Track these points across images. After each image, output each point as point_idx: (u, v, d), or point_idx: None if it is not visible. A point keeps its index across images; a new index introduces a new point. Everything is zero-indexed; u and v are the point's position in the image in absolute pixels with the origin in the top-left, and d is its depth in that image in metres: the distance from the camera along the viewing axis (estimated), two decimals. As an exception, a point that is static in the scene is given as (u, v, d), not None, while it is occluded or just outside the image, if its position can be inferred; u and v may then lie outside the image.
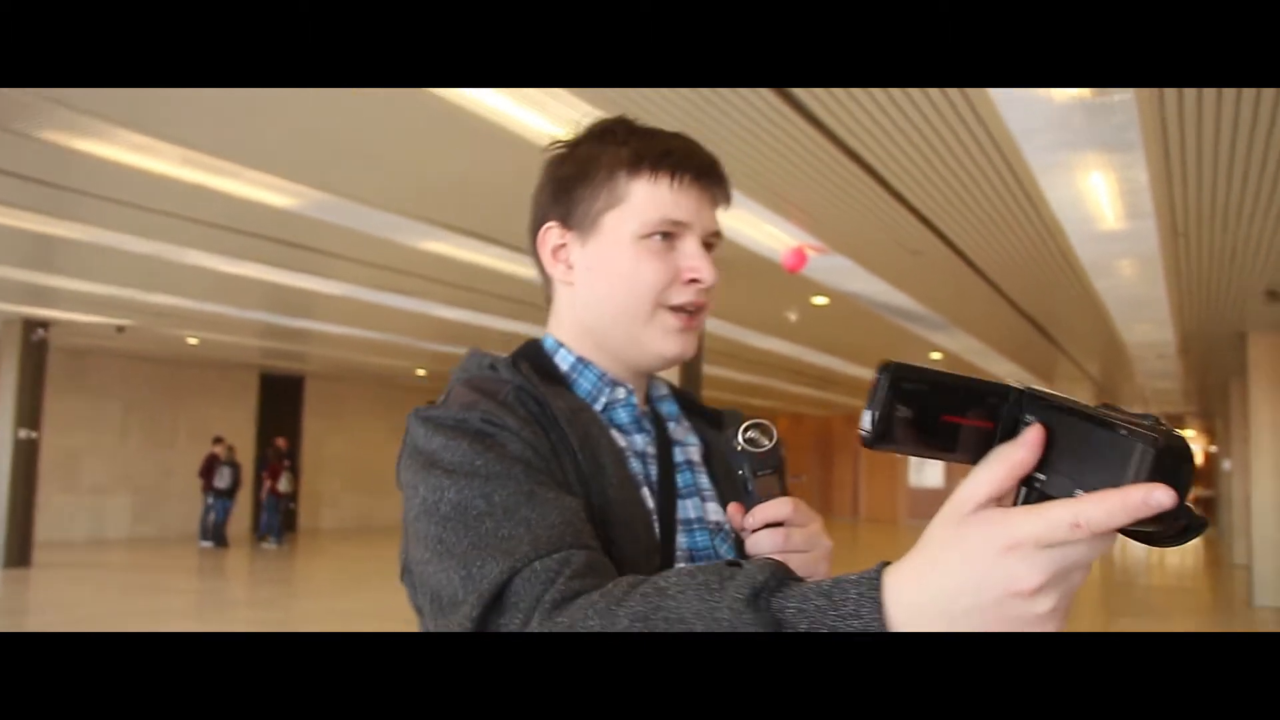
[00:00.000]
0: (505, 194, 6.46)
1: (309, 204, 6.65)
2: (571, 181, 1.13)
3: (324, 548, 17.27)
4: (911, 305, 10.26)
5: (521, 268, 8.67)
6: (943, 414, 0.69)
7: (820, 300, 10.14)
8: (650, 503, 1.09)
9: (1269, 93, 4.63)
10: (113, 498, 17.14)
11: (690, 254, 1.09)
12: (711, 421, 1.25)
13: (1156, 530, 0.63)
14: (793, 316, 11.18)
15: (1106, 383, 18.63)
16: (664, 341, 1.11)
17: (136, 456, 17.41)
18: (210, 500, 16.28)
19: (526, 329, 12.28)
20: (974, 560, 0.65)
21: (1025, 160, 5.58)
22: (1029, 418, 0.69)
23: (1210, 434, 27.60)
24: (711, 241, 1.13)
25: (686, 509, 1.13)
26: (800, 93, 4.67)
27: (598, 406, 1.13)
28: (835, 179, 5.97)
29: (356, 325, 12.64)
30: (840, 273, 8.63)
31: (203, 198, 6.42)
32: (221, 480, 16.32)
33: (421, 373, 19.24)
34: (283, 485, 17.18)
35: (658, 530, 1.08)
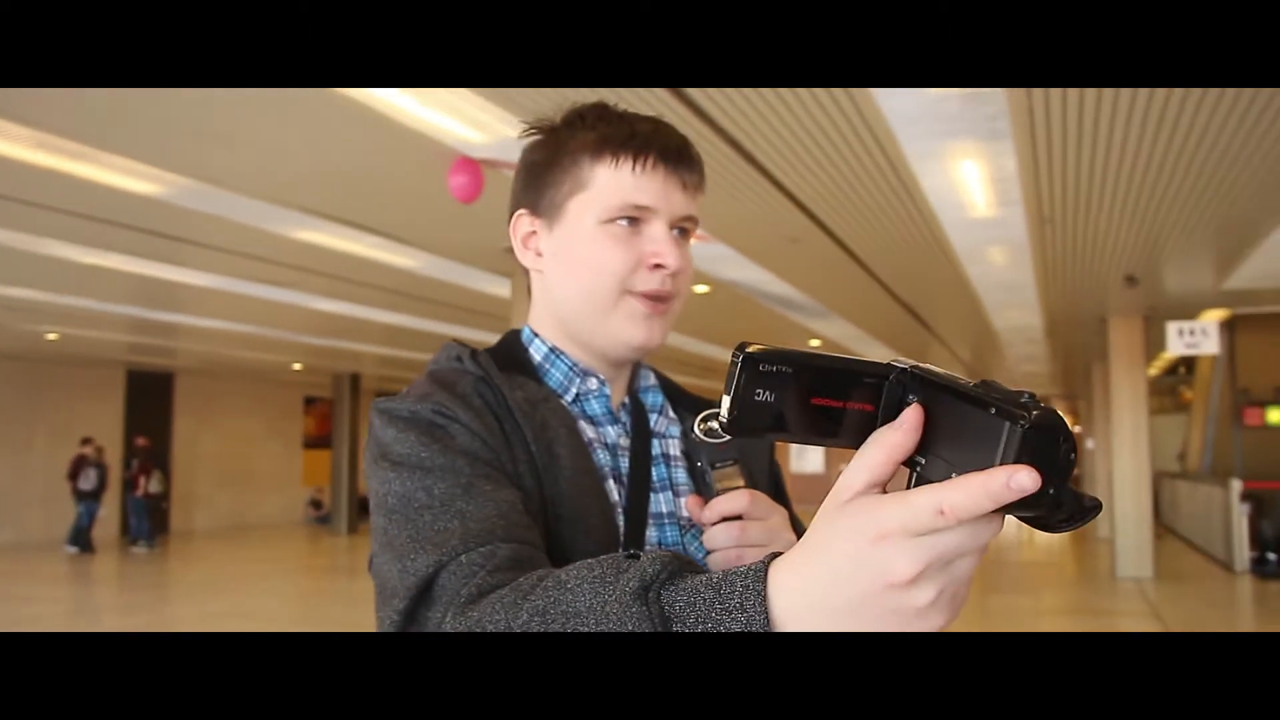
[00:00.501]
0: (380, 181, 6.31)
1: (175, 191, 6.38)
2: (540, 168, 1.11)
3: (197, 549, 16.71)
4: (791, 293, 10.41)
5: (399, 257, 8.50)
6: (812, 397, 0.66)
7: (701, 289, 10.21)
8: (615, 495, 1.07)
9: (1128, 89, 4.81)
10: (-34, 502, 16.28)
11: (655, 239, 1.07)
12: (699, 412, 1.20)
13: (1041, 514, 0.60)
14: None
15: (978, 366, 19.27)
16: (630, 328, 1.08)
17: (-9, 458, 16.57)
18: (80, 505, 15.59)
19: (406, 321, 12.07)
20: (848, 551, 0.62)
21: (900, 148, 5.70)
22: (911, 398, 0.65)
23: (1075, 414, 28.74)
24: (685, 226, 1.10)
25: (659, 503, 1.11)
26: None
27: (568, 397, 1.11)
28: (715, 166, 6.00)
29: (228, 318, 12.23)
30: (720, 260, 8.70)
31: (60, 184, 6.10)
32: (87, 482, 15.63)
33: (298, 367, 18.78)
34: (153, 486, 16.54)
35: (621, 523, 1.05)
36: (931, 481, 0.62)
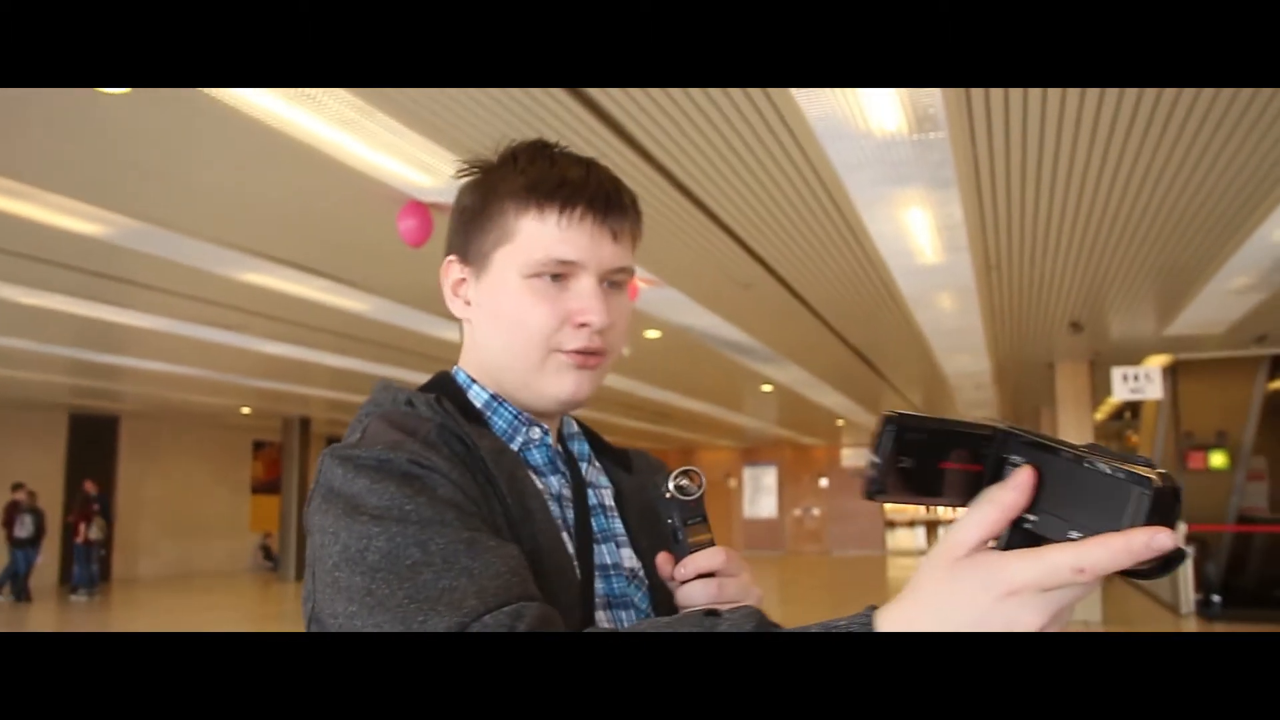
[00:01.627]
0: (329, 223, 6.26)
1: (119, 232, 6.28)
2: (469, 213, 1.06)
3: (139, 598, 16.31)
4: (742, 338, 10.45)
5: (348, 300, 8.43)
6: (939, 461, 0.69)
7: (652, 334, 10.22)
8: (570, 548, 1.02)
9: (1067, 136, 4.90)
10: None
11: (581, 294, 1.02)
12: (620, 462, 1.19)
13: (1145, 566, 0.64)
14: (625, 351, 11.22)
15: (927, 410, 19.38)
16: (558, 383, 1.04)
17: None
18: (13, 553, 15.19)
19: (356, 364, 11.95)
20: (972, 605, 0.65)
21: (849, 194, 5.76)
22: (1016, 459, 0.69)
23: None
24: (617, 279, 1.06)
25: (603, 554, 1.07)
26: (627, 122, 4.69)
27: (514, 446, 1.06)
28: (665, 211, 6.02)
29: (175, 361, 12.04)
30: (672, 306, 8.72)
31: (-1, 224, 6.00)
32: (23, 529, 15.23)
33: (246, 410, 18.51)
34: (93, 532, 16.16)
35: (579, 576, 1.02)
36: (1045, 538, 0.66)
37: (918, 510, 39.49)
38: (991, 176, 5.52)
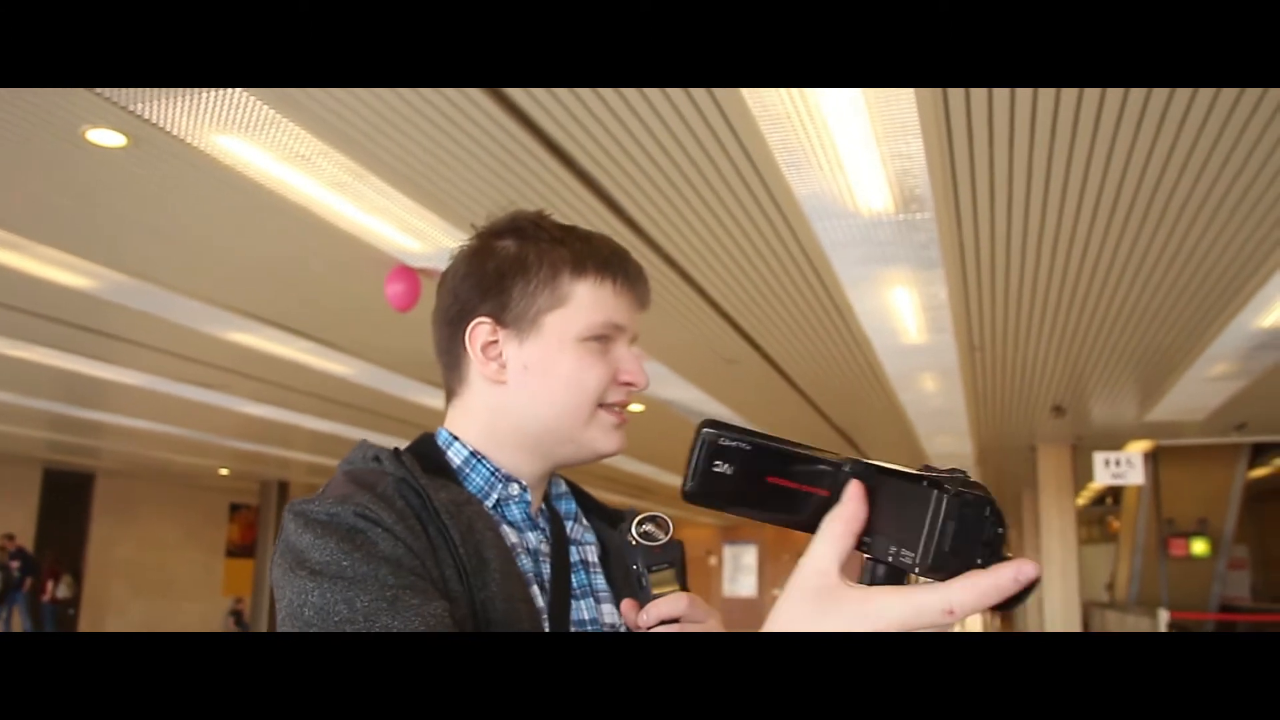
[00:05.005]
0: (315, 285, 6.27)
1: (106, 286, 6.27)
2: (506, 279, 1.11)
3: (105, 659, 15.97)
4: (726, 413, 10.44)
5: (332, 363, 8.40)
6: (768, 475, 0.70)
7: (636, 408, 10.21)
8: (540, 601, 1.07)
9: (1051, 221, 4.97)
10: None
11: (626, 357, 1.13)
12: (611, 521, 1.24)
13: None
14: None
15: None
16: (605, 439, 1.13)
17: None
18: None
19: (338, 429, 11.88)
20: None
21: (835, 272, 5.80)
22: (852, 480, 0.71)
23: (1007, 543, 28.93)
24: (634, 343, 1.17)
25: (580, 610, 1.12)
26: (617, 193, 4.73)
27: (489, 502, 1.11)
28: (653, 284, 6.03)
29: (154, 419, 11.95)
30: (656, 379, 8.72)
31: (-16, 275, 5.98)
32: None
33: (225, 472, 18.33)
34: (61, 591, 15.89)
35: (547, 629, 1.05)
36: (877, 559, 0.67)
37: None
38: (976, 258, 5.58)
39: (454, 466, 1.11)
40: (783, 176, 4.44)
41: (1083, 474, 13.04)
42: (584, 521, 1.20)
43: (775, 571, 27.47)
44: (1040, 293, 6.18)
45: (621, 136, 4.10)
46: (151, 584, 19.72)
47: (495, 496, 1.11)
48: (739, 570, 27.82)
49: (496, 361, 1.11)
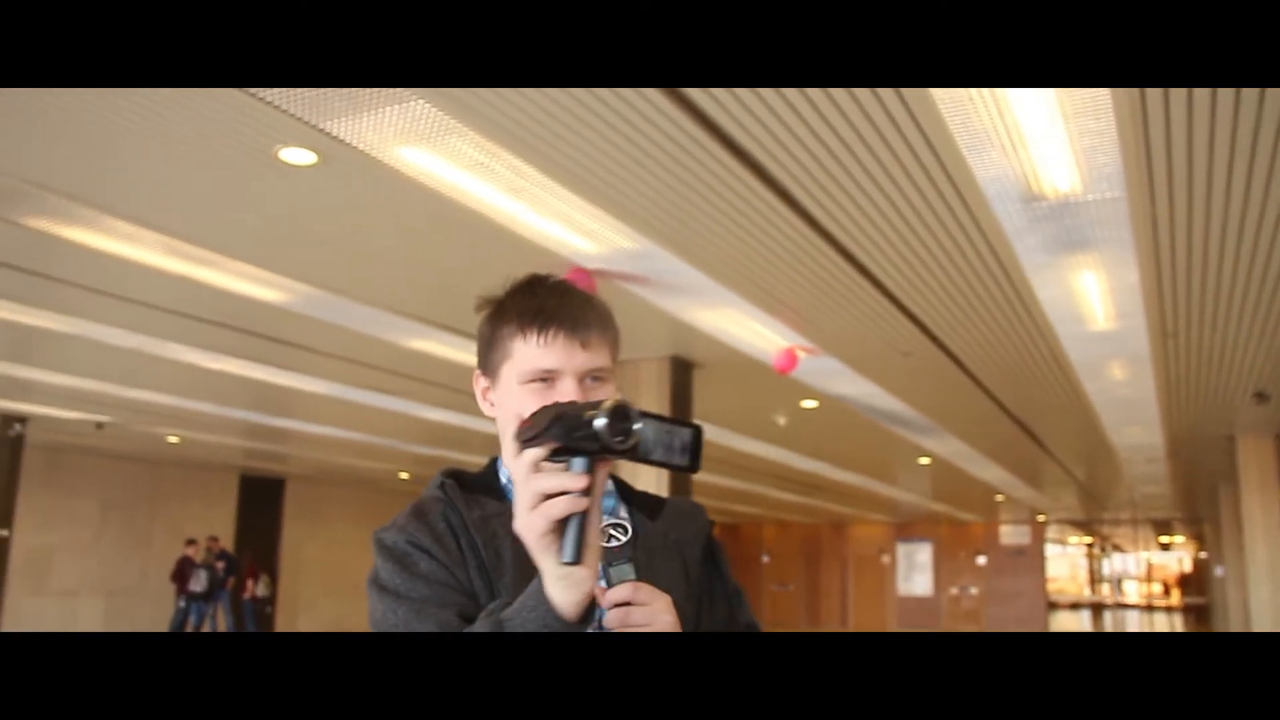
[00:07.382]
0: (494, 291, 6.40)
1: (297, 299, 6.58)
2: (483, 340, 1.41)
3: (299, 655, 16.77)
4: (900, 408, 10.20)
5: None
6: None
7: (809, 403, 10.08)
8: None
9: (1257, 190, 4.65)
10: (85, 600, 16.68)
11: (564, 392, 1.31)
12: (651, 511, 1.47)
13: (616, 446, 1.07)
14: (781, 420, 11.10)
15: (1093, 486, 18.54)
16: None
17: (111, 558, 17.00)
18: (183, 604, 15.87)
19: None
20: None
21: (1017, 259, 5.58)
22: None
23: (1199, 540, 27.38)
24: (598, 376, 1.35)
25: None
26: (793, 187, 4.66)
27: None
28: (827, 277, 5.95)
29: (340, 426, 12.49)
30: (829, 375, 8.59)
31: (188, 290, 6.34)
32: (197, 583, 15.93)
33: (405, 476, 19.01)
34: (260, 589, 16.79)
35: None
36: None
37: (1080, 592, 37.61)
38: (1171, 237, 5.28)
39: (501, 484, 1.42)
40: (963, 159, 4.29)
41: (1288, 465, 12.19)
42: (621, 513, 1.43)
43: (951, 570, 26.73)
44: (1243, 270, 5.80)
45: (797, 127, 4.03)
46: (338, 583, 20.61)
47: None
48: (913, 568, 27.19)
49: (487, 403, 1.42)
